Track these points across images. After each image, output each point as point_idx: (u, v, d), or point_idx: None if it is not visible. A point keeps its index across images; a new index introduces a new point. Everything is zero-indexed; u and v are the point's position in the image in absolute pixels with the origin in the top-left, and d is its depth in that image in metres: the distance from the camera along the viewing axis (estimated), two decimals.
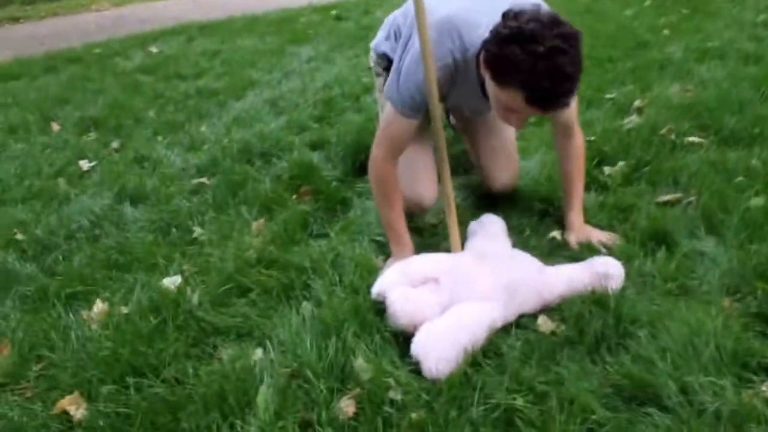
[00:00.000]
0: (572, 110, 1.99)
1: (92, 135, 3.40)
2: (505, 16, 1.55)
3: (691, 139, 2.57)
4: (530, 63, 1.46)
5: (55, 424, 1.42)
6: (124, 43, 5.90)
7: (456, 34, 1.72)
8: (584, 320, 1.58)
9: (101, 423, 1.39)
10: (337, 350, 1.52)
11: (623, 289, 1.70)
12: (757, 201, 2.02)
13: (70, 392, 1.50)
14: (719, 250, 1.84)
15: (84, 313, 1.82)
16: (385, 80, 2.14)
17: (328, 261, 1.92)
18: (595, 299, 1.63)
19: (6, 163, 3.06)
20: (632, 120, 2.81)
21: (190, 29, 6.22)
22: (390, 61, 2.07)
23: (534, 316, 1.65)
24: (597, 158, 2.48)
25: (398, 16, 2.11)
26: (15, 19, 8.72)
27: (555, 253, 1.95)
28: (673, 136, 2.60)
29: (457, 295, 1.60)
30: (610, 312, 1.58)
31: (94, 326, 1.76)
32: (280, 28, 5.86)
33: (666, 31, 4.51)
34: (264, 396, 1.41)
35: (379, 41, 2.22)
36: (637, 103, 3.06)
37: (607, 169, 2.38)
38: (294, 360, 1.53)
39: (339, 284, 1.80)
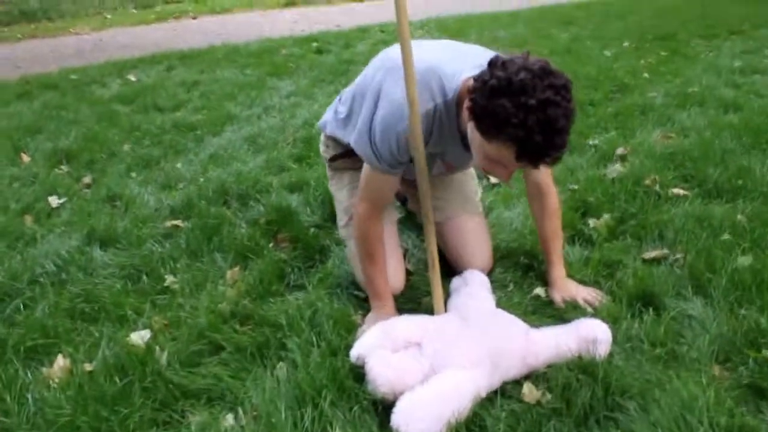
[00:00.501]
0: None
1: (64, 168, 3.29)
2: (492, 64, 1.47)
3: (676, 190, 2.55)
4: (521, 117, 1.37)
5: None
6: (102, 70, 5.80)
7: (437, 80, 1.64)
8: (571, 390, 1.52)
9: None
10: (313, 420, 1.43)
11: (611, 354, 1.65)
12: (744, 260, 1.99)
13: None
14: (707, 312, 1.79)
15: (44, 370, 1.71)
16: (336, 177, 2.10)
17: (305, 317, 1.84)
18: (583, 367, 1.58)
19: None
20: (615, 169, 2.79)
21: (170, 57, 6.15)
22: (343, 146, 2.00)
23: (519, 383, 1.59)
24: (581, 209, 2.45)
25: (354, 89, 1.92)
26: None
27: (540, 311, 1.90)
28: (657, 187, 2.58)
29: (440, 361, 1.52)
30: (599, 382, 1.52)
31: (55, 384, 1.65)
32: (261, 59, 5.81)
33: (646, 74, 4.56)
34: None
35: (329, 120, 2.05)
36: (620, 150, 3.04)
37: (592, 222, 2.34)
38: (268, 430, 1.44)
39: (316, 344, 1.71)
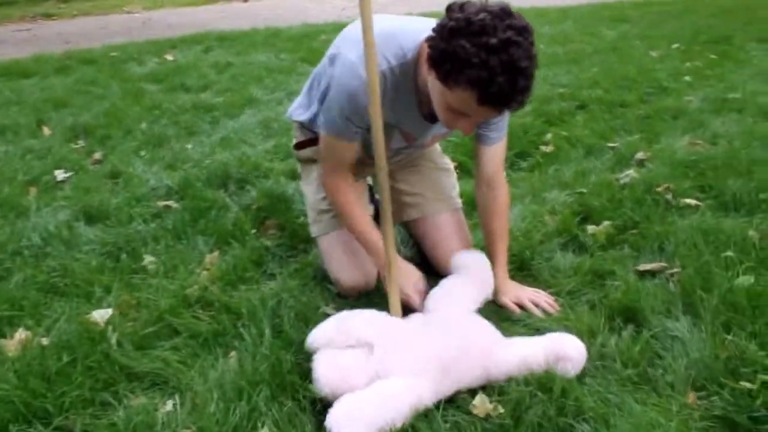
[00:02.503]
0: (499, 156, 1.86)
1: (80, 143, 3.34)
2: (450, 8, 1.40)
3: (688, 200, 2.39)
4: (482, 56, 1.31)
5: None
6: (142, 48, 5.88)
7: (393, 40, 1.58)
8: (523, 405, 1.42)
9: None
10: (242, 416, 1.38)
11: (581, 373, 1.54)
12: (743, 280, 1.83)
13: None
14: (693, 334, 1.66)
15: (2, 341, 1.71)
16: (305, 172, 2.04)
17: (267, 307, 1.79)
18: (541, 382, 1.47)
19: None
20: (629, 174, 2.64)
21: (209, 38, 6.20)
22: (307, 132, 1.94)
23: (473, 392, 1.50)
24: (582, 214, 2.33)
25: (316, 69, 1.88)
26: (48, 16, 8.83)
27: (513, 318, 1.80)
28: (669, 196, 2.43)
29: (386, 366, 1.45)
30: (553, 400, 1.42)
31: (10, 354, 1.65)
32: (298, 44, 5.79)
33: (688, 78, 4.33)
34: None
35: (294, 105, 1.99)
36: (639, 155, 2.89)
37: (590, 228, 2.22)
38: (200, 419, 1.40)
39: (268, 336, 1.66)
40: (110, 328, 1.70)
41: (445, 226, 1.99)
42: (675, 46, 5.44)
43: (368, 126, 1.59)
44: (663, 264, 2.00)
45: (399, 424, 1.36)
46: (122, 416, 1.41)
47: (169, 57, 5.52)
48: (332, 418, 1.35)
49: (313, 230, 2.00)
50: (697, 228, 2.16)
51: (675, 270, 1.95)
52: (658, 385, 1.51)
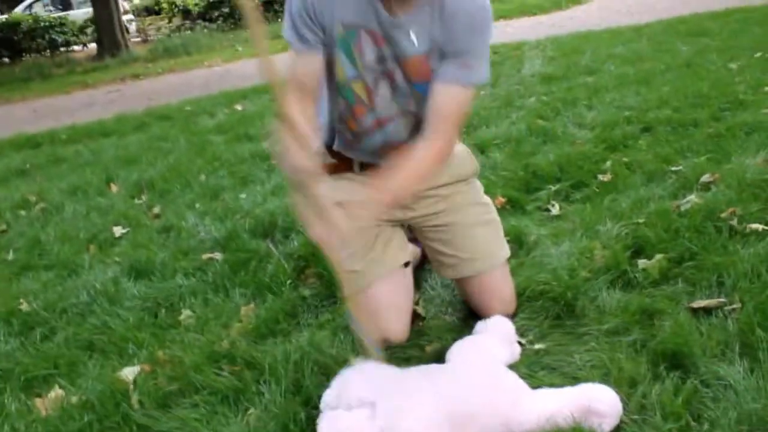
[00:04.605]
0: (453, 102, 1.61)
1: (143, 198, 3.47)
2: None
3: (754, 226, 2.17)
4: None
5: None
6: (215, 101, 6.13)
7: None
8: None
9: None
10: None
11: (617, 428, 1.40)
12: None
13: None
14: (748, 382, 1.48)
15: (38, 401, 1.75)
16: None
17: (289, 362, 1.75)
18: None
19: (53, 226, 3.17)
20: (690, 200, 2.44)
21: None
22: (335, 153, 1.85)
23: None
24: (635, 247, 2.16)
25: None
26: (136, 76, 9.39)
27: (551, 365, 1.67)
28: (734, 222, 2.22)
29: (391, 423, 1.37)
30: None
31: (41, 415, 1.69)
32: None
33: None
34: None
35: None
36: (705, 177, 2.67)
37: (642, 263, 2.05)
38: None
39: (283, 392, 1.61)
40: (133, 387, 1.71)
41: (491, 281, 1.89)
42: (758, 55, 5.09)
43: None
44: (721, 300, 1.81)
45: None
46: None
47: (239, 107, 5.71)
48: None
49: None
50: (763, 257, 1.95)
51: (734, 306, 1.77)
52: None
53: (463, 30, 1.57)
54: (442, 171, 1.78)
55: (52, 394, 1.77)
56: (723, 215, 2.27)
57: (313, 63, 1.62)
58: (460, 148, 1.94)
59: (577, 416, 1.39)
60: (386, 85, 1.68)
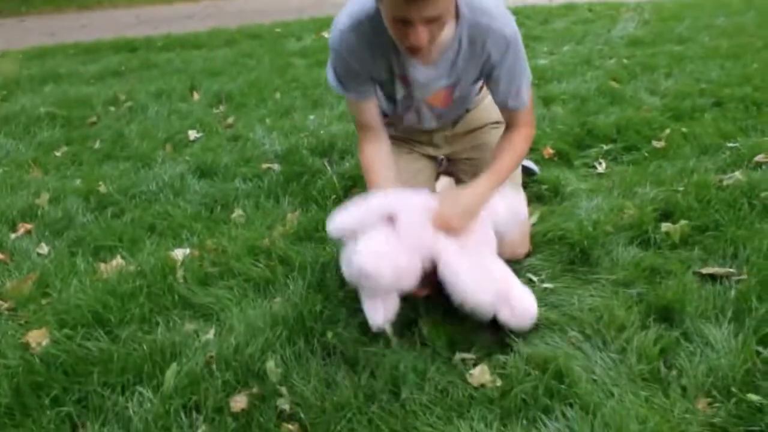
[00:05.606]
0: (521, 119, 1.81)
1: (220, 108, 3.71)
2: None
3: None
4: None
5: (12, 351, 1.62)
6: (305, 26, 6.30)
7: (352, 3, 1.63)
8: (515, 381, 1.46)
9: (38, 361, 1.56)
10: (255, 350, 1.56)
11: (592, 366, 1.53)
12: None
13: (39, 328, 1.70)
14: (728, 343, 1.57)
15: (102, 265, 2.03)
16: None
17: (318, 263, 1.95)
18: (537, 362, 1.50)
19: (137, 123, 3.46)
20: (734, 176, 2.45)
21: None
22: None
23: (477, 360, 1.55)
24: (664, 211, 2.23)
25: None
26: None
27: (551, 302, 1.81)
28: None
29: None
30: (545, 381, 1.44)
31: (103, 276, 1.97)
32: None
33: None
34: (172, 373, 1.50)
35: None
36: (759, 157, 2.66)
37: (665, 226, 2.12)
38: (220, 349, 1.59)
39: (312, 288, 1.83)
40: (180, 264, 1.96)
41: None
42: None
43: (375, 82, 1.69)
44: (730, 270, 1.88)
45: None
46: (165, 335, 1.65)
47: (325, 35, 5.86)
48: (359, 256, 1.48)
49: None
50: None
51: (741, 277, 1.83)
52: (669, 386, 1.46)
53: (498, 52, 1.65)
54: (478, 115, 1.95)
55: (113, 262, 2.05)
56: (762, 194, 2.29)
57: (370, 109, 1.79)
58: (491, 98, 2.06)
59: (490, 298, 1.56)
60: (413, 112, 1.86)
